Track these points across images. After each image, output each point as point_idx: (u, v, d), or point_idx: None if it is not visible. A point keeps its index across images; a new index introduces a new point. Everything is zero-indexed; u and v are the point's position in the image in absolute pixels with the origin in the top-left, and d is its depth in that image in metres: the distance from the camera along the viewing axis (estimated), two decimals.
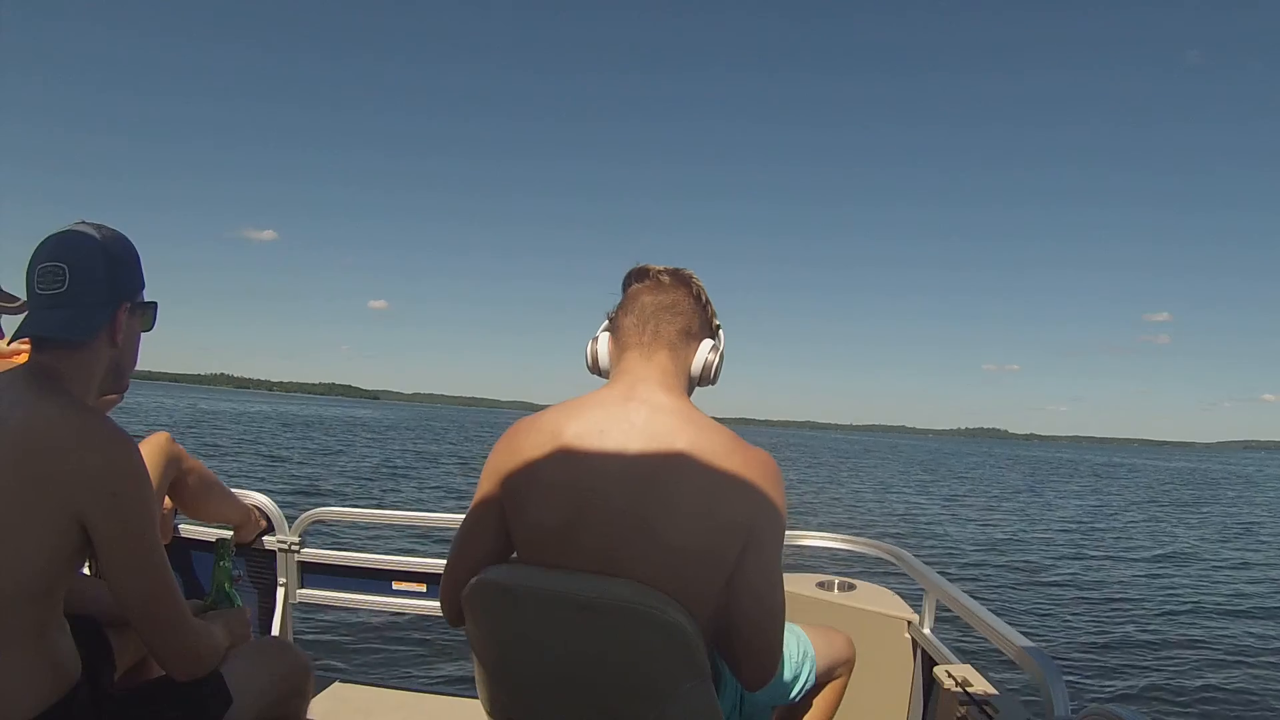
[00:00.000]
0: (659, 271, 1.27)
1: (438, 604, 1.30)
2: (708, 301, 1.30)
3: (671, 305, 1.24)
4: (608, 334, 1.28)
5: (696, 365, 1.24)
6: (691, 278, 1.28)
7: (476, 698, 1.27)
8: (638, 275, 1.28)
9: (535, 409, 1.34)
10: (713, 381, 1.28)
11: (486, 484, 1.20)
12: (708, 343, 1.26)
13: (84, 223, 1.22)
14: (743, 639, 1.15)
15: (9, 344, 1.62)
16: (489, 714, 1.25)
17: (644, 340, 1.22)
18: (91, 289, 1.18)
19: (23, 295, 1.33)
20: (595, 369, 1.29)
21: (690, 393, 1.26)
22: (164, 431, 1.73)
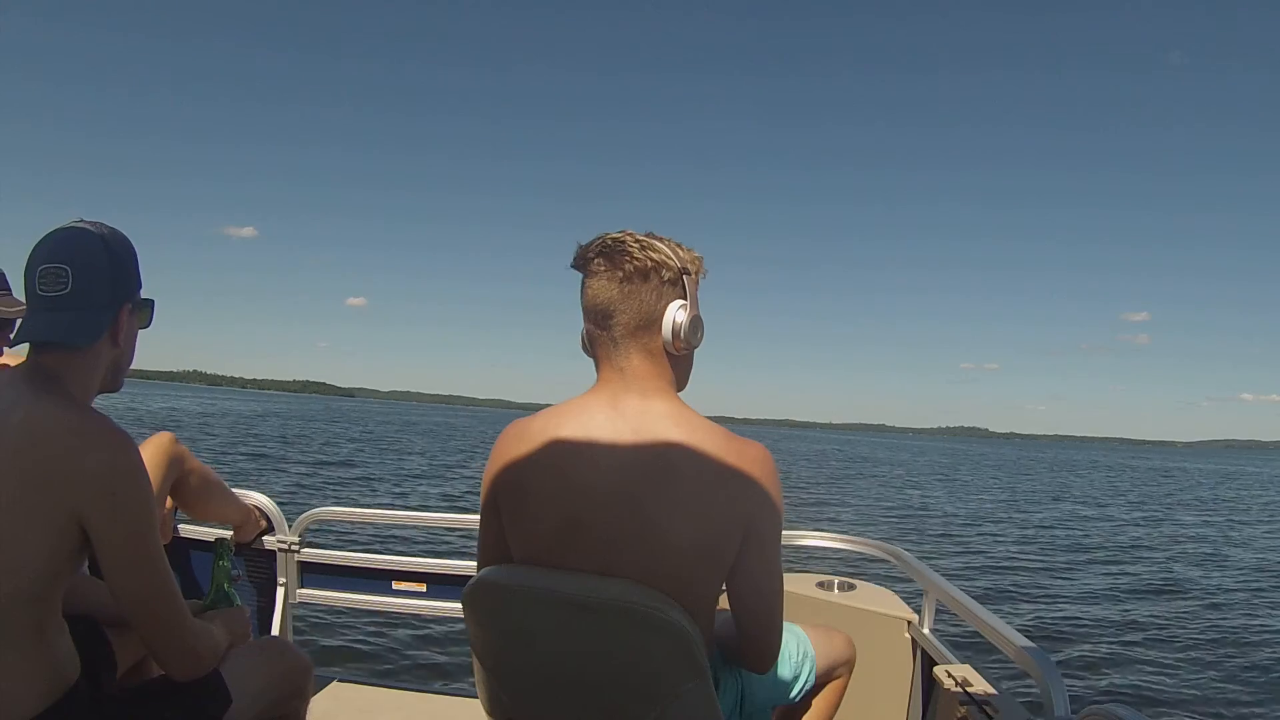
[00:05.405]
0: (593, 258, 1.14)
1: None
2: (656, 263, 1.13)
3: (621, 304, 1.12)
4: None
5: (667, 335, 1.14)
6: (625, 254, 1.12)
7: (476, 698, 1.27)
8: (579, 267, 1.17)
9: (512, 407, 1.30)
10: (696, 344, 1.18)
11: (485, 490, 1.21)
12: (674, 305, 1.14)
13: (83, 221, 1.20)
14: (743, 630, 1.18)
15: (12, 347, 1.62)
16: (489, 714, 1.26)
17: (609, 350, 1.15)
18: (96, 291, 1.17)
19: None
20: (586, 352, 1.22)
21: (675, 366, 1.20)
22: (168, 432, 1.73)
